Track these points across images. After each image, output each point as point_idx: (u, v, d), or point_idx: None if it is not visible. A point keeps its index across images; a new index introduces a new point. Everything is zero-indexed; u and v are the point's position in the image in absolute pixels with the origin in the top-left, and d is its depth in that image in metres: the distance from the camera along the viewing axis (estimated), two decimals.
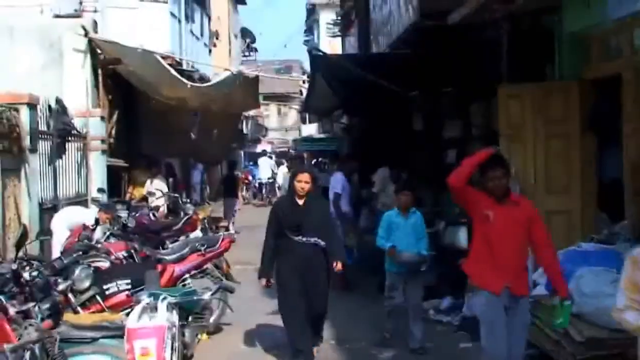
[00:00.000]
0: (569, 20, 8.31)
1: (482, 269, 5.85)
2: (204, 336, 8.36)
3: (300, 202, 7.52)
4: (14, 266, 6.14)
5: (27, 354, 3.88)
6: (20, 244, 6.68)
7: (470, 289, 7.64)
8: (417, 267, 8.09)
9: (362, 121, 19.40)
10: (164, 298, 6.63)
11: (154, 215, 12.24)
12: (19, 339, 4.82)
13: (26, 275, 6.19)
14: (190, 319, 7.45)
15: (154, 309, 6.40)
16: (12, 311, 5.60)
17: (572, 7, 8.15)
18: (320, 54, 13.20)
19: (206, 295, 8.24)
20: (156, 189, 13.85)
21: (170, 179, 16.92)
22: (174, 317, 6.60)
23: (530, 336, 6.50)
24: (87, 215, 10.12)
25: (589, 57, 8.50)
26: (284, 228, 7.48)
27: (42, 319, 5.86)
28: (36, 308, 5.95)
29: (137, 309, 6.41)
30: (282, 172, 29.01)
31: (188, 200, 14.06)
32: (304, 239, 7.39)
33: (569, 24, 8.33)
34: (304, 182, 7.47)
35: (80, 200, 11.58)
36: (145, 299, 6.59)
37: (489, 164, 5.77)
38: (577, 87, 8.54)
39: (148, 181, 14.38)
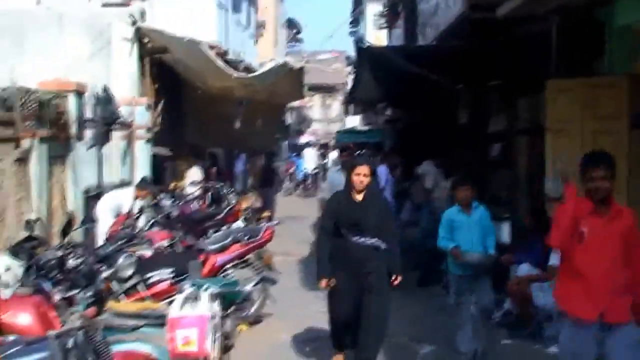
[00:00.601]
0: (622, 13, 8.07)
1: (570, 291, 4.98)
2: (245, 326, 8.40)
3: (359, 197, 6.75)
4: (60, 253, 6.25)
5: (71, 341, 3.91)
6: (66, 231, 6.80)
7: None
8: (483, 269, 7.26)
9: (406, 114, 19.27)
10: (207, 288, 6.68)
11: (196, 204, 12.34)
12: (63, 325, 4.88)
13: (71, 262, 6.29)
14: (231, 309, 7.50)
15: (196, 298, 6.45)
16: (56, 298, 5.69)
17: None
18: (367, 45, 13.15)
19: (248, 286, 8.32)
20: (192, 179, 13.96)
21: (213, 169, 17.00)
22: (216, 307, 6.64)
23: None
24: (128, 194, 10.24)
25: None
26: (340, 227, 6.70)
27: (86, 306, 5.96)
28: (80, 295, 6.05)
29: (180, 298, 6.47)
30: (332, 159, 28.66)
31: (231, 190, 14.08)
32: (362, 240, 6.61)
33: (621, 17, 8.10)
34: (362, 175, 6.68)
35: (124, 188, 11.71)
36: (187, 289, 6.65)
37: (591, 162, 4.90)
38: (628, 82, 8.31)
39: (187, 171, 14.54)
